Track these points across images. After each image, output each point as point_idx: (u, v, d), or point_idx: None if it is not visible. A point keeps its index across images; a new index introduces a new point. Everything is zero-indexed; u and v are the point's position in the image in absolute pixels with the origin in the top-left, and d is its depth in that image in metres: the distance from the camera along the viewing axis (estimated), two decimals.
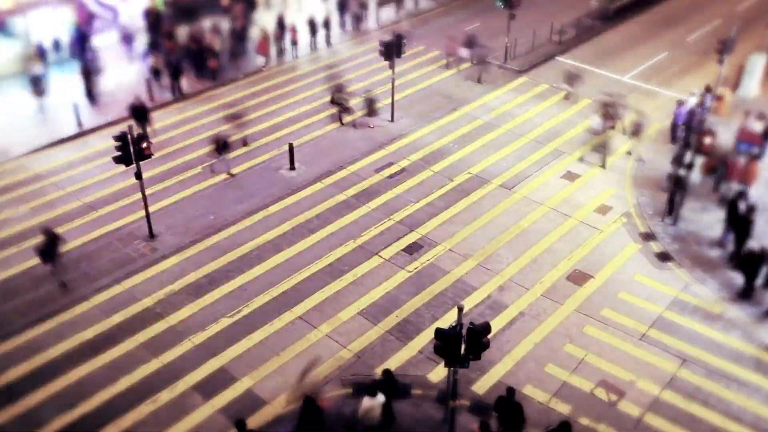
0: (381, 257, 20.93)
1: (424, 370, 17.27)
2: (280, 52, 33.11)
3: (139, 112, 25.78)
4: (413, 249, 21.31)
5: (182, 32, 32.67)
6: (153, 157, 20.98)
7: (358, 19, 36.00)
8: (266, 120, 28.02)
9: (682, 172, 21.59)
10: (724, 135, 25.33)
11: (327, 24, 34.02)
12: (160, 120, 27.62)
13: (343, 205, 23.19)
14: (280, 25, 32.99)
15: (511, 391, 14.91)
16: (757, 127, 24.32)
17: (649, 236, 21.89)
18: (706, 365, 17.52)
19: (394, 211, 22.89)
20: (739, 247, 20.29)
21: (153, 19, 33.03)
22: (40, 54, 29.38)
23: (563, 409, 16.35)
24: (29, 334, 18.11)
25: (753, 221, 20.24)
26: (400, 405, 15.92)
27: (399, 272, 20.40)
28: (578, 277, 20.29)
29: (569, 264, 20.78)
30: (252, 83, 30.94)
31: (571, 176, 24.78)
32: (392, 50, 26.30)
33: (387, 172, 24.92)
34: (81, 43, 30.90)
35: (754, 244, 19.99)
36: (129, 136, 19.35)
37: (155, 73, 29.37)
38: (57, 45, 31.05)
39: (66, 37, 31.27)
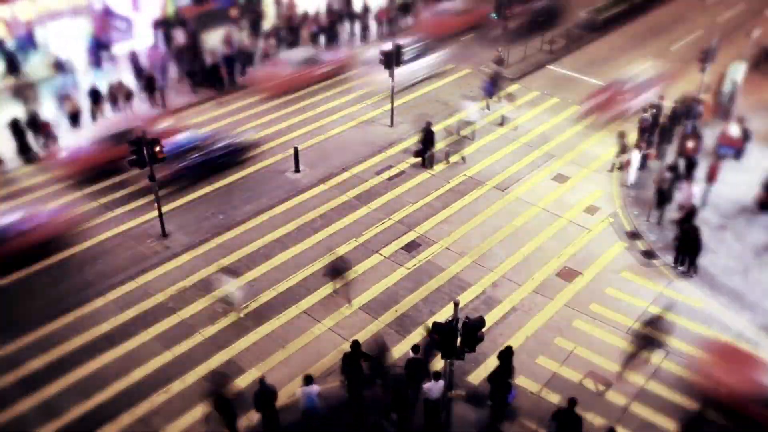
0: (381, 255, 20.90)
1: None
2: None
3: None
4: (412, 247, 21.27)
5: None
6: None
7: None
8: (272, 125, 28.00)
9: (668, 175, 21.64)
10: (706, 139, 25.28)
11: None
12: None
13: (345, 206, 23.16)
14: None
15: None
16: (736, 131, 24.32)
17: (635, 235, 21.86)
18: (689, 357, 17.50)
19: (394, 212, 22.84)
20: (692, 261, 19.97)
21: (166, 29, 32.87)
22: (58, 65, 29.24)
23: (554, 398, 16.34)
24: (49, 328, 18.13)
25: (700, 240, 19.44)
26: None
27: (398, 269, 20.37)
28: (568, 274, 20.26)
29: (559, 261, 20.74)
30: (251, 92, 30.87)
31: (561, 178, 24.73)
32: (392, 59, 26.27)
33: (387, 174, 24.89)
34: (97, 52, 30.85)
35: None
36: (143, 141, 19.34)
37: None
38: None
39: (83, 47, 31.18)
